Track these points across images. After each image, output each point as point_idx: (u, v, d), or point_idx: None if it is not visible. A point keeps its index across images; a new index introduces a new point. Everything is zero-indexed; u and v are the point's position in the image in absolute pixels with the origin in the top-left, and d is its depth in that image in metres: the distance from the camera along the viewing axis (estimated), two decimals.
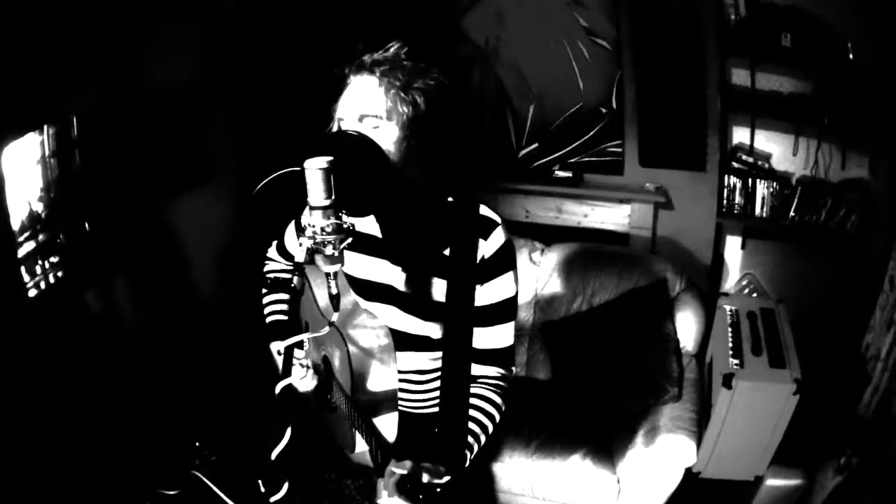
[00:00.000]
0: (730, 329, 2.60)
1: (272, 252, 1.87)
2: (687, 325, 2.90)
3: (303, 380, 1.71)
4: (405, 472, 1.19)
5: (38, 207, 2.93)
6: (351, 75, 1.39)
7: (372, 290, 1.55)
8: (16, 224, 2.79)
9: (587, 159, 3.35)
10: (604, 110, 3.24)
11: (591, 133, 3.30)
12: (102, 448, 2.85)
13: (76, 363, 2.94)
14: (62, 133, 3.04)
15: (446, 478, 1.22)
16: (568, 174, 3.35)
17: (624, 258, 3.12)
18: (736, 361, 2.42)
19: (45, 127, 2.92)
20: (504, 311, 1.50)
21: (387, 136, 1.34)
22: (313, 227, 1.18)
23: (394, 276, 1.53)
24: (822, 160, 2.97)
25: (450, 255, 1.45)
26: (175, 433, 3.08)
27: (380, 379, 1.53)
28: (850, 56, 2.75)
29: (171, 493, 2.42)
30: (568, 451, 2.67)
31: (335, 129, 1.42)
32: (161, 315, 3.49)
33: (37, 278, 2.91)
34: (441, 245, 1.48)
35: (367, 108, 1.35)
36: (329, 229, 1.18)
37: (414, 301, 1.52)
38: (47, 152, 2.95)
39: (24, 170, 2.83)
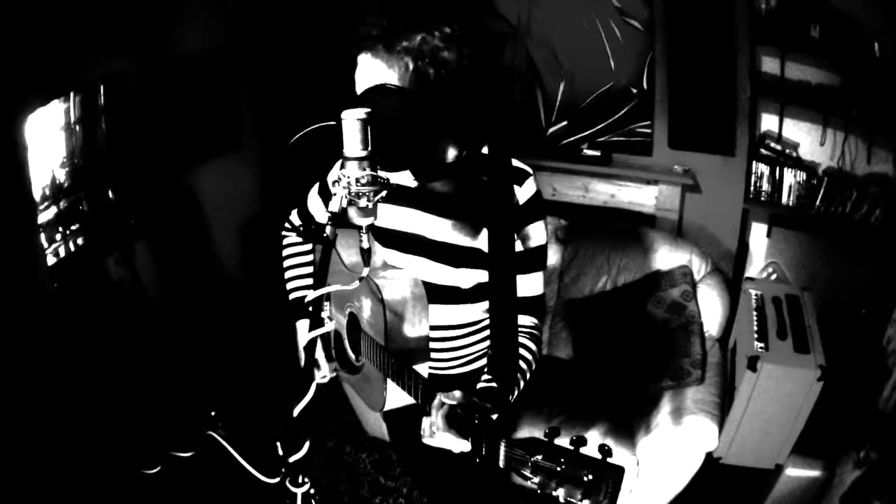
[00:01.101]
0: (755, 313, 2.57)
1: (294, 217, 1.85)
2: (711, 309, 2.89)
3: (320, 374, 1.75)
4: (455, 402, 1.19)
5: (62, 175, 2.95)
6: (364, 52, 1.33)
7: (400, 241, 1.55)
8: (38, 191, 2.80)
9: (616, 139, 3.32)
10: (634, 91, 3.22)
11: (621, 113, 3.27)
12: (116, 412, 2.86)
13: (95, 328, 2.96)
14: (88, 100, 3.05)
15: (494, 415, 1.21)
16: (596, 153, 3.33)
17: (650, 239, 3.08)
18: (761, 345, 2.39)
19: (72, 94, 2.93)
20: (537, 258, 1.51)
21: (415, 98, 1.33)
22: (348, 178, 1.17)
23: (424, 225, 1.53)
24: (848, 153, 2.93)
25: (488, 200, 1.45)
26: (190, 399, 3.09)
27: (413, 328, 1.53)
28: (877, 53, 2.70)
29: (185, 455, 2.40)
30: (587, 429, 2.66)
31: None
32: (181, 282, 3.49)
33: (56, 245, 2.92)
34: (476, 192, 1.48)
35: (387, 79, 1.30)
36: (364, 181, 1.17)
37: (445, 249, 1.52)
38: (72, 119, 2.96)
39: (49, 137, 2.84)
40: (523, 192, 1.46)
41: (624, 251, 3.07)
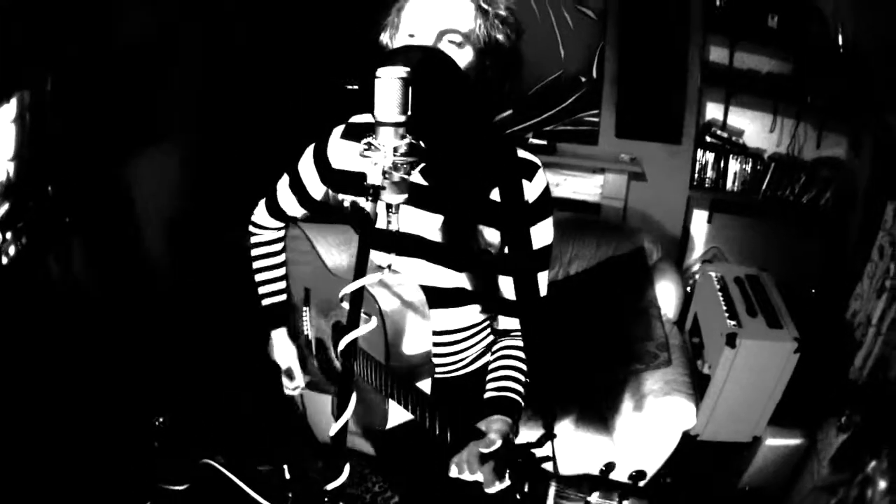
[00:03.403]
0: (720, 294, 2.51)
1: (259, 215, 1.62)
2: (666, 293, 2.77)
3: (287, 384, 1.65)
4: (493, 450, 1.02)
5: (12, 170, 2.63)
6: None
7: (395, 242, 1.38)
8: None
9: (562, 128, 3.21)
10: (583, 79, 3.12)
11: (569, 101, 3.16)
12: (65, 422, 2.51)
13: (41, 331, 2.63)
14: (35, 93, 2.71)
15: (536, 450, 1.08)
16: (542, 142, 3.19)
17: (600, 227, 2.97)
18: (733, 323, 2.33)
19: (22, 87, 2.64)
20: (544, 258, 1.38)
21: (464, 60, 1.16)
22: (381, 146, 0.97)
23: (424, 224, 1.36)
24: (798, 139, 2.96)
25: (501, 198, 1.29)
26: (136, 407, 2.68)
27: (415, 342, 1.34)
28: (840, 40, 2.75)
29: (178, 488, 2.04)
30: (558, 419, 2.51)
31: (395, 37, 1.23)
32: (116, 280, 3.12)
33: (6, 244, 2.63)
34: (485, 189, 1.32)
35: (453, 24, 1.17)
36: (402, 150, 0.98)
37: (447, 251, 1.37)
38: (23, 111, 2.65)
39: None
40: (533, 189, 1.31)
41: (574, 240, 2.91)
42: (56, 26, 2.68)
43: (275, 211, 1.60)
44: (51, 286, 2.85)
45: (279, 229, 1.66)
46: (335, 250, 1.64)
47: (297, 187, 1.52)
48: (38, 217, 2.83)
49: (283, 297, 1.68)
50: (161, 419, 2.58)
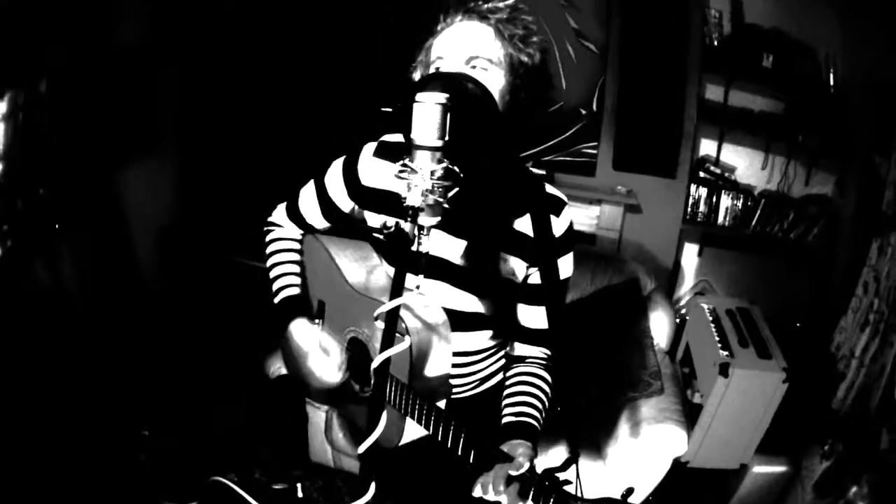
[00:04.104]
0: (712, 325, 2.60)
1: (278, 217, 1.66)
2: (659, 323, 2.83)
3: (330, 369, 1.49)
4: (520, 472, 1.07)
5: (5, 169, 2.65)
6: (457, 18, 1.27)
7: (422, 264, 1.37)
8: None
9: (561, 158, 3.30)
10: (584, 112, 3.22)
11: (569, 133, 3.25)
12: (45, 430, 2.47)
13: (26, 337, 2.61)
14: (29, 93, 2.72)
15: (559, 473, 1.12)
16: (541, 172, 3.26)
17: (595, 257, 3.03)
18: (726, 353, 2.42)
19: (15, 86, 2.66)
20: (564, 291, 1.45)
21: (494, 84, 1.22)
22: (419, 170, 1.01)
23: (451, 249, 1.39)
24: (788, 176, 3.09)
25: (532, 233, 1.35)
26: (121, 417, 2.69)
27: (437, 363, 1.35)
28: (831, 82, 2.90)
29: None
30: (552, 444, 2.55)
31: (429, 69, 1.29)
32: (106, 289, 3.12)
33: None
34: (511, 219, 1.37)
35: (480, 50, 1.24)
36: (438, 174, 1.01)
37: (471, 276, 1.40)
38: (13, 112, 2.66)
39: None
40: (560, 224, 1.37)
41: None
42: (50, 27, 2.69)
43: (295, 217, 1.62)
44: (38, 292, 2.80)
45: (298, 232, 1.67)
46: (355, 265, 1.59)
47: (323, 199, 1.54)
48: (27, 220, 2.81)
49: (300, 290, 1.64)
50: (146, 431, 2.59)
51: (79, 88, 2.93)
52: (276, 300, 1.63)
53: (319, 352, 1.50)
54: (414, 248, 1.06)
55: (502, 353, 1.61)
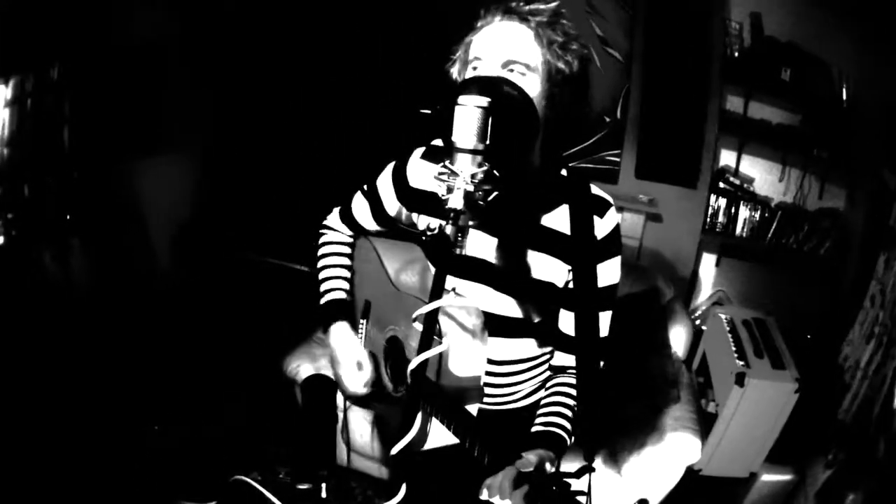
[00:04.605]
0: (729, 335, 3.03)
1: (332, 220, 1.86)
2: (677, 332, 3.21)
3: (357, 383, 1.68)
4: (532, 483, 1.16)
5: (10, 156, 2.93)
6: (497, 17, 1.39)
7: (461, 266, 1.53)
8: None
9: (584, 165, 3.73)
10: (607, 119, 3.65)
11: (592, 140, 3.68)
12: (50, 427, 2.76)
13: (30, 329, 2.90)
14: (42, 78, 3.05)
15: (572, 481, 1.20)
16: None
17: None
18: (742, 363, 2.82)
19: (26, 70, 2.96)
20: (608, 297, 1.51)
21: (530, 89, 1.34)
22: (459, 173, 1.13)
23: (491, 251, 1.52)
24: (803, 189, 3.53)
25: (572, 232, 1.46)
26: (131, 413, 3.00)
27: (468, 365, 1.46)
28: (844, 96, 3.32)
29: None
30: (570, 450, 2.94)
31: (466, 66, 1.42)
32: (116, 284, 3.45)
33: None
34: (552, 220, 1.49)
35: (518, 54, 1.35)
36: (479, 178, 1.13)
37: (511, 279, 1.52)
38: (20, 98, 2.97)
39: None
40: (604, 226, 1.47)
41: None
42: (63, 14, 2.95)
43: (348, 219, 1.81)
44: (45, 285, 3.09)
45: (350, 235, 1.85)
46: (401, 266, 1.80)
47: (374, 201, 1.72)
48: (35, 211, 3.08)
49: (346, 294, 1.79)
50: (157, 427, 2.88)
51: (95, 78, 3.21)
52: (322, 301, 1.80)
53: (353, 364, 1.70)
54: (454, 250, 1.15)
55: (547, 366, 1.69)
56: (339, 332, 1.74)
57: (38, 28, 2.87)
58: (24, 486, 2.43)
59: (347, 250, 1.85)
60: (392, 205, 1.70)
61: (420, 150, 1.64)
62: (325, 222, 1.89)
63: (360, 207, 1.77)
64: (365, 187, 1.75)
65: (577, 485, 1.16)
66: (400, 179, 1.65)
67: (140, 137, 3.51)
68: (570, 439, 1.46)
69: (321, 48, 3.82)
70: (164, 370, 3.28)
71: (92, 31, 3.13)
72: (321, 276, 1.83)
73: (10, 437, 2.59)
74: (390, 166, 1.70)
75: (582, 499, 1.13)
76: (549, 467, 1.26)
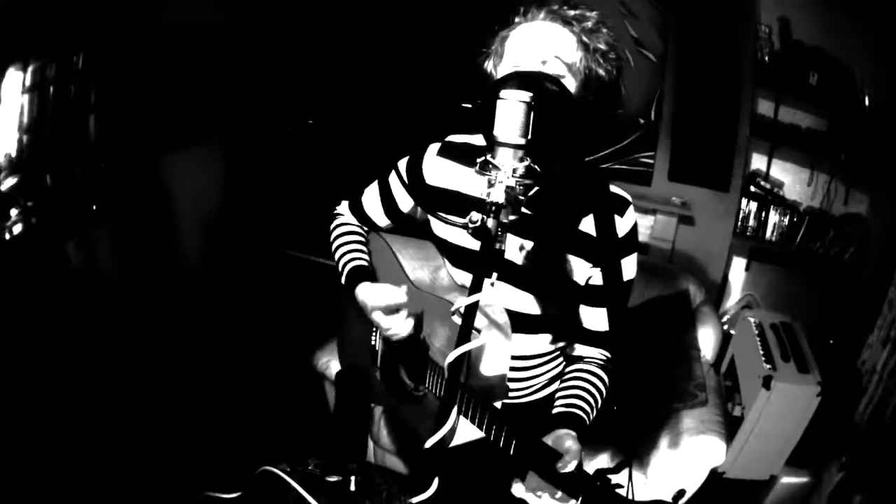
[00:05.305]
0: (758, 338, 3.63)
1: (343, 209, 2.14)
2: (706, 335, 3.69)
3: (397, 321, 1.80)
4: (570, 470, 1.35)
5: (27, 141, 3.32)
6: (539, 16, 1.62)
7: (496, 263, 1.73)
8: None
9: (617, 167, 4.34)
10: (641, 121, 4.25)
11: (626, 141, 4.29)
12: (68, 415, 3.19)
13: (48, 317, 3.32)
14: (66, 67, 3.47)
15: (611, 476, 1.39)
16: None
17: (648, 267, 3.86)
18: (768, 366, 3.42)
19: (49, 57, 3.35)
20: (628, 292, 1.80)
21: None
22: (501, 167, 1.29)
23: (516, 250, 1.74)
24: (830, 194, 4.14)
25: (595, 232, 1.71)
26: (155, 404, 3.46)
27: (495, 363, 1.65)
28: (866, 101, 3.92)
29: (228, 497, 2.37)
30: (596, 454, 3.14)
31: (502, 60, 1.65)
32: (143, 277, 3.95)
33: (10, 221, 3.30)
34: (576, 219, 1.72)
35: (560, 55, 1.57)
36: (520, 172, 1.29)
37: (534, 278, 1.74)
38: (40, 84, 3.35)
39: (19, 100, 3.23)
40: (624, 224, 1.73)
41: None
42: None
43: (358, 212, 2.07)
44: (67, 274, 3.53)
45: (361, 226, 2.11)
46: (417, 264, 1.92)
47: (385, 196, 1.98)
48: (58, 199, 3.51)
49: (367, 264, 1.99)
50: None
51: (125, 68, 3.65)
52: (345, 269, 1.99)
53: (391, 305, 1.81)
54: (494, 245, 1.30)
55: (562, 358, 1.98)
56: (366, 286, 1.91)
57: (58, 14, 3.24)
58: (47, 478, 2.88)
59: (363, 234, 2.11)
60: (405, 201, 1.97)
61: (435, 146, 1.89)
62: (335, 210, 2.17)
63: (371, 202, 2.04)
64: (376, 182, 2.03)
65: (615, 479, 1.34)
66: (415, 175, 1.89)
67: (170, 129, 3.98)
68: (589, 419, 1.69)
69: (348, 43, 4.41)
70: (189, 363, 3.76)
71: (122, 20, 3.56)
72: (339, 251, 2.05)
73: (29, 430, 3.02)
74: (403, 161, 1.95)
75: (622, 492, 1.30)
76: (577, 449, 1.46)
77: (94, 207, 3.70)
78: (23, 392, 3.12)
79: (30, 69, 3.26)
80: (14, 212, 3.28)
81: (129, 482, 3.00)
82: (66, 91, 3.48)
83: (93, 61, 3.53)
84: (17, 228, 3.30)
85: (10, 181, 3.25)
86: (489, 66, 1.71)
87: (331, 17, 4.45)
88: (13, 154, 3.25)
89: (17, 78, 3.21)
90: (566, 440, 1.51)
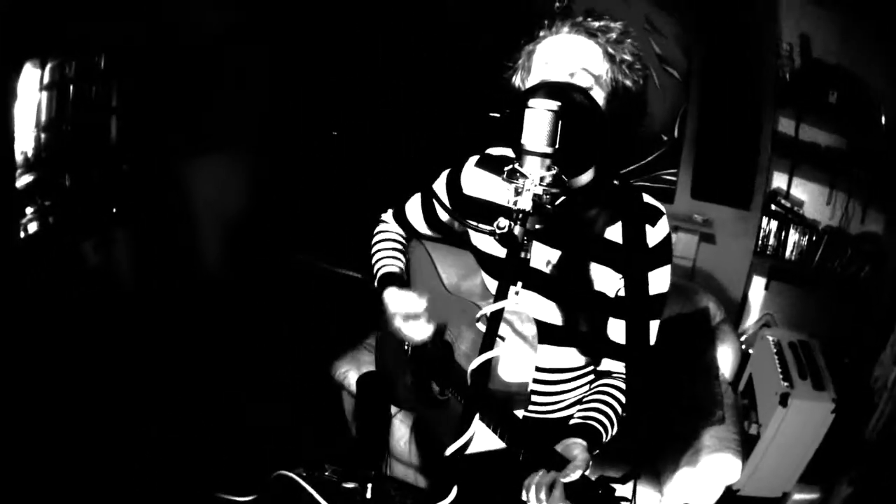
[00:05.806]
0: (776, 356, 4.08)
1: (387, 216, 2.35)
2: (726, 354, 3.95)
3: (417, 327, 1.97)
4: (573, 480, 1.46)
5: (45, 140, 3.60)
6: (564, 29, 1.76)
7: (522, 272, 1.80)
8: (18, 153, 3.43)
9: (640, 183, 4.79)
10: (665, 138, 4.72)
11: (650, 158, 4.75)
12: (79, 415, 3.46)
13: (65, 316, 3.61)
14: (87, 66, 3.79)
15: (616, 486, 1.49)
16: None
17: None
18: (786, 384, 3.84)
19: (70, 54, 3.65)
20: (658, 306, 1.88)
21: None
22: (528, 175, 1.38)
23: (544, 259, 1.87)
24: (848, 213, 4.58)
25: (623, 240, 1.82)
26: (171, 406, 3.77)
27: (517, 371, 1.77)
28: (882, 120, 4.37)
29: (243, 500, 2.44)
30: (611, 470, 3.55)
31: (530, 73, 1.80)
32: (160, 278, 4.26)
33: (26, 219, 3.57)
34: (604, 229, 1.85)
35: (587, 66, 1.71)
36: (547, 181, 1.38)
37: (562, 288, 1.87)
38: (58, 83, 3.65)
39: (37, 99, 3.52)
40: (655, 234, 1.83)
41: None
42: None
43: (401, 220, 2.26)
44: (81, 274, 3.81)
45: (402, 235, 2.31)
46: (453, 271, 2.08)
47: (427, 206, 2.16)
48: (77, 200, 3.77)
49: (400, 271, 2.19)
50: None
51: (150, 70, 3.94)
52: (377, 276, 2.17)
53: (412, 312, 1.98)
54: (520, 253, 1.39)
55: (592, 377, 2.08)
56: (391, 292, 2.08)
57: (78, 12, 3.51)
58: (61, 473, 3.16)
59: (403, 241, 2.31)
60: (444, 211, 2.15)
61: (474, 158, 2.07)
62: (381, 217, 2.39)
63: (414, 211, 2.25)
64: (420, 192, 2.22)
65: (620, 490, 1.43)
66: (454, 186, 2.08)
67: (194, 134, 4.31)
68: (606, 435, 1.80)
69: (381, 51, 4.82)
70: (205, 367, 4.08)
71: (147, 20, 3.86)
72: (374, 257, 2.26)
73: (43, 431, 3.30)
74: (445, 173, 2.14)
75: None
76: (584, 458, 1.57)
77: (114, 210, 4.04)
78: (36, 392, 3.43)
79: (48, 67, 3.52)
80: (30, 209, 3.54)
81: (144, 483, 3.29)
82: (87, 91, 3.78)
83: (116, 62, 3.84)
84: (33, 227, 3.58)
85: (27, 178, 3.52)
86: (517, 80, 1.86)
87: (360, 25, 4.88)
88: (30, 152, 3.51)
89: (34, 75, 3.45)
90: (575, 448, 1.64)
